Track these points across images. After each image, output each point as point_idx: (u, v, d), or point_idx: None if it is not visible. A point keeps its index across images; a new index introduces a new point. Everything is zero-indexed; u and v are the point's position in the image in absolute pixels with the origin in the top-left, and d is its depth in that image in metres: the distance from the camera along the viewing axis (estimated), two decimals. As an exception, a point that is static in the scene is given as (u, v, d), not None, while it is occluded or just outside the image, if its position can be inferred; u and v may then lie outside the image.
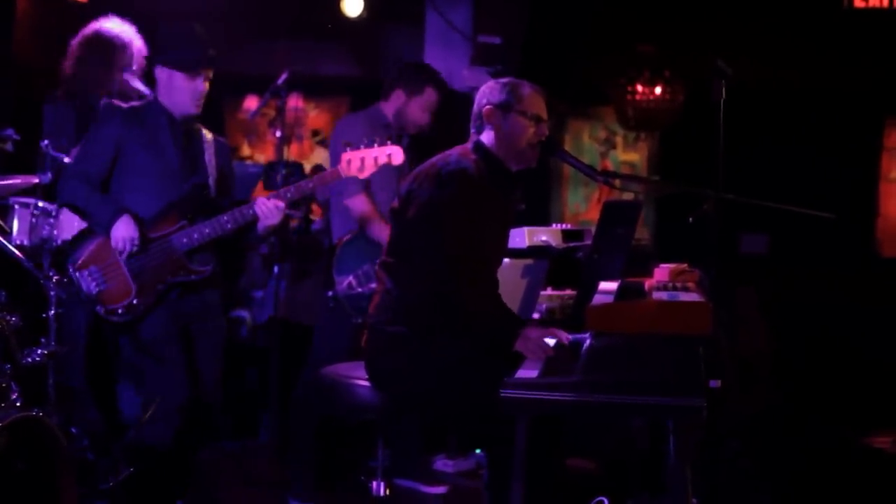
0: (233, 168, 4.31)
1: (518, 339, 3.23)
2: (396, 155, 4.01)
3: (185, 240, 3.92)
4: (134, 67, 4.44)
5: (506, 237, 3.69)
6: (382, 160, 4.01)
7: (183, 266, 3.94)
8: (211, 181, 4.05)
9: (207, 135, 4.13)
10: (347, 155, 4.00)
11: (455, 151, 3.48)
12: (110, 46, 4.44)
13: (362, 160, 3.98)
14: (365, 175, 4.04)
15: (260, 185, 6.05)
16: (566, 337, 3.27)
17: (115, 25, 4.48)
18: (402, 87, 4.86)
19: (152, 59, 4.08)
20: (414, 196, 3.39)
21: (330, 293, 4.74)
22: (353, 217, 4.75)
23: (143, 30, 4.59)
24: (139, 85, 4.41)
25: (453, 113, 6.12)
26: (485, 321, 3.28)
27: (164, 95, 4.01)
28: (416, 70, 4.97)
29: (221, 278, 4.14)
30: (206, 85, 3.99)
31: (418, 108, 4.87)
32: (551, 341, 3.28)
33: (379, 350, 3.40)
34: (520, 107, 3.48)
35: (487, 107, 3.50)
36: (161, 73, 4.00)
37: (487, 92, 3.54)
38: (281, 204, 3.97)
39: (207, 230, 3.92)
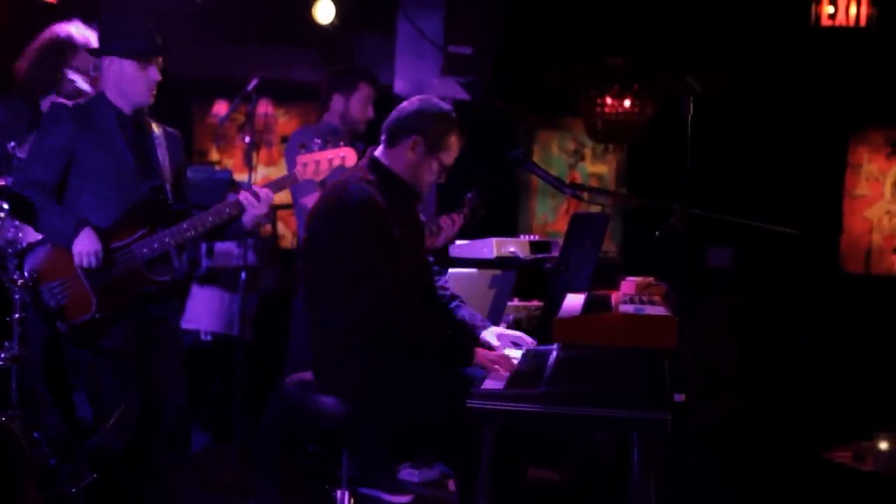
0: (186, 162, 4.17)
1: (478, 352, 3.26)
2: (350, 156, 3.97)
3: (145, 250, 3.80)
4: (88, 69, 4.39)
5: (421, 258, 3.61)
6: (337, 162, 3.98)
7: (144, 276, 3.82)
8: (167, 184, 3.94)
9: (157, 129, 4.00)
10: (303, 158, 3.96)
11: (351, 180, 3.39)
12: (64, 48, 4.39)
13: (317, 163, 3.95)
14: (320, 178, 4.02)
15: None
16: (530, 341, 3.27)
17: (73, 28, 4.43)
18: (337, 92, 5.00)
19: (98, 52, 3.94)
20: (321, 233, 3.34)
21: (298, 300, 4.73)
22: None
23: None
24: (84, 85, 4.34)
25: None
26: (433, 342, 3.29)
27: (113, 89, 3.87)
28: (345, 72, 5.12)
29: (181, 285, 4.07)
30: (159, 74, 3.87)
31: (358, 105, 5.00)
32: (514, 353, 3.29)
33: (344, 360, 3.38)
34: (442, 154, 3.44)
35: (416, 137, 3.42)
36: (110, 64, 3.86)
37: (428, 117, 3.43)
38: (270, 192, 3.88)
39: (167, 239, 3.81)
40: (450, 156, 3.46)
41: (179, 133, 4.11)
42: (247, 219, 3.90)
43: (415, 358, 3.29)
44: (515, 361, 3.29)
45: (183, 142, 4.13)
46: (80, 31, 4.40)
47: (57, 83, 4.34)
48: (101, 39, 3.94)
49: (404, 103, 3.52)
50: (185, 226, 3.83)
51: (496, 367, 3.20)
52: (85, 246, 3.72)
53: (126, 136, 3.87)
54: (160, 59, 3.90)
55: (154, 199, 3.87)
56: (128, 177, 3.84)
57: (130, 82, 3.86)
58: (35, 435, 4.05)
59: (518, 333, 3.44)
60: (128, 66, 3.84)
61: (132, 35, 3.85)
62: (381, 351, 3.28)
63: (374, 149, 3.51)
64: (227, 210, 3.86)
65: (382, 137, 3.50)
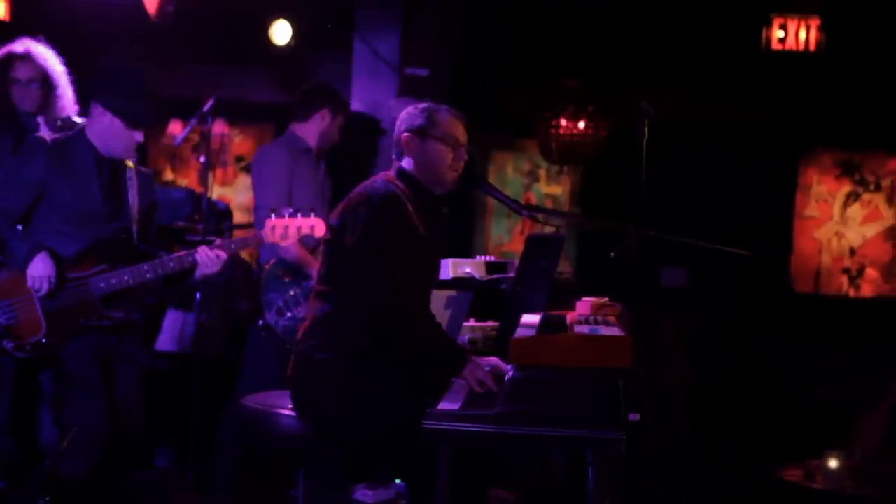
0: (156, 202, 4.24)
1: (468, 365, 3.23)
2: (318, 227, 4.04)
3: (101, 284, 3.85)
4: (27, 79, 4.41)
5: (437, 263, 3.71)
6: (305, 230, 4.05)
7: (96, 310, 3.86)
8: (134, 226, 3.99)
9: (131, 168, 4.06)
10: (272, 222, 4.03)
11: (380, 178, 3.49)
12: (10, 62, 4.42)
13: (286, 228, 4.02)
14: (287, 243, 4.10)
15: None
16: (506, 368, 3.25)
17: (15, 44, 4.47)
18: (328, 108, 4.96)
19: (90, 93, 3.99)
20: (347, 225, 3.39)
21: (260, 322, 4.70)
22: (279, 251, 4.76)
23: (66, 51, 4.56)
24: (46, 132, 4.36)
25: (376, 143, 6.17)
26: (433, 345, 3.29)
27: (95, 133, 3.93)
28: (336, 92, 5.11)
29: (141, 325, 4.07)
30: (142, 137, 3.94)
31: (338, 128, 5.02)
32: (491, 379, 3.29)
33: (305, 378, 3.39)
34: (436, 132, 3.49)
35: (405, 134, 3.51)
36: (100, 114, 3.91)
37: (406, 118, 3.55)
38: (223, 255, 3.96)
39: (126, 277, 3.87)
40: (445, 128, 3.49)
41: (152, 173, 4.20)
42: (197, 274, 3.97)
43: (412, 359, 3.30)
44: (507, 367, 3.23)
45: (154, 182, 4.21)
46: (22, 45, 4.43)
47: (6, 100, 4.38)
48: (95, 85, 3.94)
49: None
50: (145, 267, 3.89)
51: (480, 384, 3.19)
52: (38, 270, 3.77)
53: (100, 178, 3.92)
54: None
55: (118, 239, 3.92)
56: (95, 216, 3.90)
57: (114, 138, 3.92)
58: (-15, 458, 4.01)
59: (494, 360, 3.40)
60: (117, 123, 3.89)
61: (128, 97, 3.89)
62: (383, 348, 3.30)
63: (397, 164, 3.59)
64: (189, 259, 3.92)
65: (394, 157, 3.58)
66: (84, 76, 4.32)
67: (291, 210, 4.05)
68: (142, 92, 3.92)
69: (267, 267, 4.75)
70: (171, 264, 3.90)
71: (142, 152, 6.39)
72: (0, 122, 4.41)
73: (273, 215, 4.04)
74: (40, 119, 4.52)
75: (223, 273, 4.07)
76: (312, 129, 4.96)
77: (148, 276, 3.89)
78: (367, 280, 3.29)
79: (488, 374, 3.21)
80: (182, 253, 3.93)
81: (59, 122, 4.43)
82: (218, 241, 4.10)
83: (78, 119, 4.38)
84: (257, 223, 4.78)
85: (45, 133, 4.48)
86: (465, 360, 3.24)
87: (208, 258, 3.91)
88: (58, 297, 3.82)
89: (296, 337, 4.51)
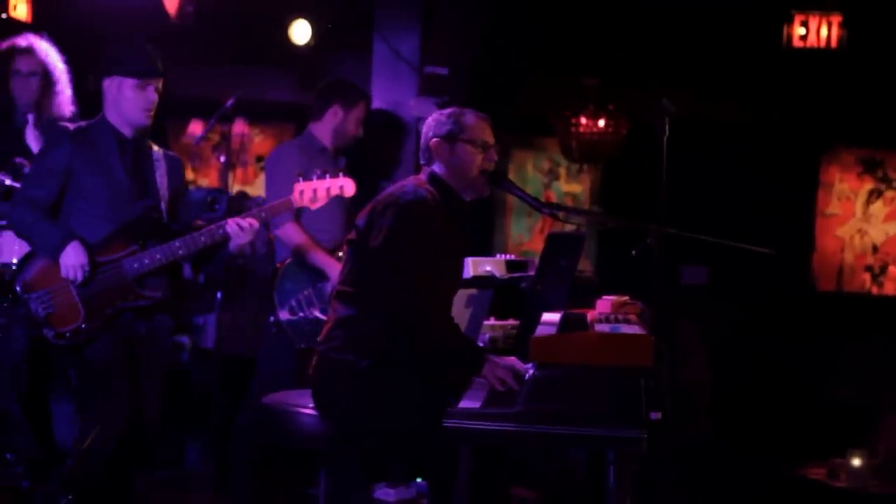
0: (186, 185, 4.28)
1: (487, 364, 3.23)
2: (348, 186, 4.06)
3: (135, 265, 3.88)
4: (28, 71, 4.45)
5: (461, 267, 3.71)
6: (335, 191, 4.06)
7: (133, 291, 3.89)
8: (163, 203, 4.00)
9: (158, 151, 4.08)
10: (300, 186, 4.03)
11: (410, 182, 3.50)
12: (10, 53, 4.47)
13: (314, 191, 4.03)
14: (317, 205, 4.08)
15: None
16: (523, 367, 3.24)
17: (19, 38, 4.52)
18: (339, 103, 4.95)
19: (99, 74, 4.01)
20: (374, 227, 3.39)
21: (272, 319, 4.73)
22: (286, 246, 4.76)
23: (86, 51, 4.60)
24: (63, 110, 4.40)
25: (399, 142, 6.16)
26: (452, 346, 3.29)
27: (113, 110, 3.96)
28: (347, 85, 5.07)
29: (174, 303, 4.09)
30: (157, 96, 3.95)
31: (354, 122, 4.98)
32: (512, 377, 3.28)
33: (326, 377, 3.40)
34: (465, 136, 3.51)
35: (434, 140, 3.53)
36: (110, 84, 3.95)
37: (433, 125, 3.56)
38: (255, 223, 3.96)
39: (159, 255, 3.89)
40: (471, 132, 3.51)
41: (181, 158, 4.22)
42: (231, 246, 4.00)
43: (432, 361, 3.31)
44: (525, 367, 3.24)
45: (183, 165, 4.22)
46: (25, 39, 4.49)
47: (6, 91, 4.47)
48: (103, 64, 3.98)
49: None
50: (177, 244, 3.90)
51: (501, 382, 3.19)
52: (71, 259, 3.80)
53: (123, 159, 3.95)
54: (159, 83, 3.96)
55: (147, 217, 3.94)
56: (122, 197, 3.92)
57: (128, 101, 3.93)
58: (7, 457, 4.03)
59: (511, 359, 3.39)
60: (126, 86, 3.91)
61: (131, 55, 3.92)
62: (402, 348, 3.31)
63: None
64: (221, 232, 3.93)
65: (423, 163, 3.61)
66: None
67: (319, 172, 4.04)
68: (143, 49, 3.94)
69: (280, 266, 4.76)
70: (203, 238, 3.91)
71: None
72: None
73: (300, 179, 4.04)
74: (30, 116, 4.57)
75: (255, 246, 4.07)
76: (327, 127, 4.97)
77: (180, 252, 3.91)
78: (388, 283, 3.30)
79: (508, 373, 3.21)
80: (212, 226, 3.94)
81: (46, 120, 4.47)
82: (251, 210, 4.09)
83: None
84: (271, 224, 4.77)
85: (30, 131, 4.54)
86: (484, 360, 3.24)
87: (240, 227, 3.92)
88: (92, 282, 3.85)
89: (303, 335, 4.55)
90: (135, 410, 3.91)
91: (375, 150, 5.84)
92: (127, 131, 3.97)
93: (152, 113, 3.97)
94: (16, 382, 4.32)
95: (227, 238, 3.94)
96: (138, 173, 3.98)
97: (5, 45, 4.53)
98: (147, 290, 3.92)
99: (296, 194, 4.03)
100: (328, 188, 4.03)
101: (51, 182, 3.90)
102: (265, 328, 4.83)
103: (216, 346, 5.46)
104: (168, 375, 4.17)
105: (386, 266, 3.31)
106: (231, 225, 3.92)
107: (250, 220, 3.95)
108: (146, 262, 3.88)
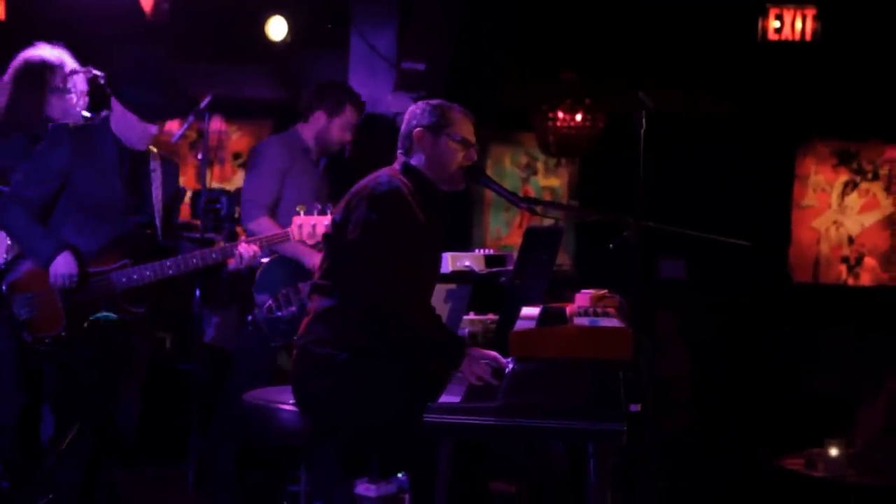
0: (181, 193, 4.26)
1: (465, 359, 3.22)
2: None
3: (123, 279, 3.86)
4: (69, 87, 4.34)
5: (438, 259, 3.71)
6: None
7: (116, 305, 3.88)
8: (157, 218, 3.98)
9: (156, 159, 4.04)
10: (299, 220, 4.05)
11: (384, 173, 3.48)
12: (42, 71, 4.33)
13: (313, 227, 4.03)
14: (313, 241, 4.10)
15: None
16: (504, 362, 3.24)
17: (44, 52, 4.39)
18: (323, 109, 4.88)
19: (108, 85, 3.96)
20: (349, 219, 3.39)
21: (249, 317, 4.72)
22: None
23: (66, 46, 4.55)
24: (78, 109, 4.32)
25: (376, 137, 6.16)
26: (431, 339, 3.28)
27: (115, 124, 3.92)
28: (336, 90, 4.98)
29: (153, 320, 4.08)
30: (157, 128, 3.92)
31: (339, 129, 4.90)
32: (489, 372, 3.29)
33: (306, 371, 3.40)
34: (450, 130, 3.50)
35: (418, 129, 3.51)
36: (116, 104, 3.91)
37: (418, 114, 3.54)
38: (255, 248, 4.00)
39: (148, 272, 3.88)
40: (456, 128, 3.50)
41: (177, 164, 4.19)
42: (232, 266, 4.01)
43: (411, 353, 3.30)
44: (506, 361, 3.24)
45: (178, 171, 4.19)
46: (52, 52, 4.36)
47: (43, 106, 4.28)
48: (113, 76, 3.93)
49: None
50: (168, 263, 3.90)
51: (478, 379, 3.20)
52: (62, 268, 3.79)
53: (122, 170, 3.92)
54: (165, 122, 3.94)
55: (140, 234, 3.93)
56: (117, 209, 3.90)
57: (129, 129, 3.91)
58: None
59: (492, 353, 3.39)
60: (130, 116, 3.88)
61: (140, 89, 3.86)
62: (380, 341, 3.30)
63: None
64: (214, 256, 3.94)
65: (399, 153, 3.57)
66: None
67: (320, 207, 4.05)
68: (156, 84, 3.88)
69: (264, 262, 4.74)
70: (194, 261, 3.92)
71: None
72: (21, 126, 4.34)
73: (302, 212, 4.04)
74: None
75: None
76: (310, 130, 4.93)
77: (170, 272, 3.90)
78: (365, 275, 3.29)
79: (487, 368, 3.20)
80: (205, 250, 3.95)
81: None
82: (245, 238, 4.12)
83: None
84: (244, 216, 4.78)
85: None
86: (463, 354, 3.23)
87: (248, 252, 3.95)
88: (81, 293, 3.83)
89: (280, 333, 4.54)
90: (111, 410, 3.89)
91: (353, 145, 5.83)
92: (125, 142, 3.94)
93: (150, 142, 3.96)
94: (19, 384, 4.28)
95: (220, 261, 3.95)
96: (135, 186, 3.95)
97: (35, 58, 4.36)
98: (130, 306, 3.90)
99: (294, 227, 4.05)
100: (327, 224, 4.01)
101: (47, 183, 3.85)
102: (241, 327, 4.82)
103: (205, 339, 5.44)
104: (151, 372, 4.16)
105: (363, 258, 3.30)
106: (243, 248, 3.95)
107: (253, 247, 3.98)
108: (135, 277, 3.87)
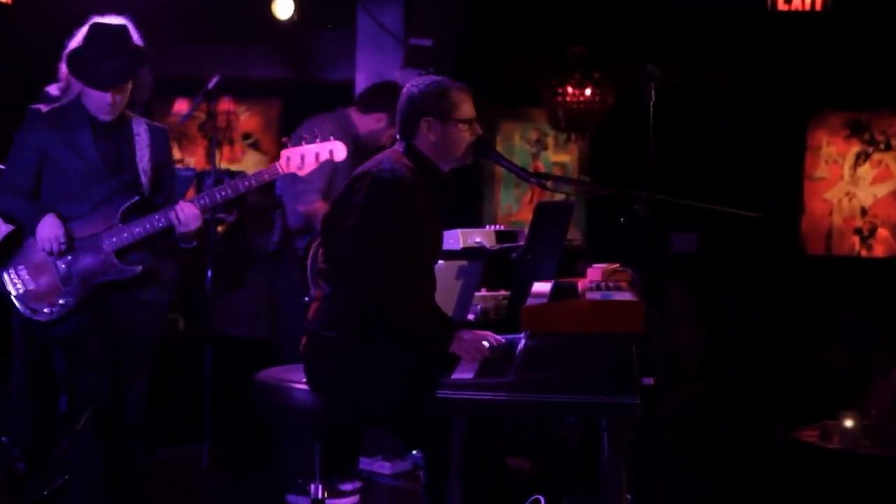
0: (171, 156, 4.19)
1: (453, 342, 3.24)
2: (339, 151, 3.87)
3: (114, 239, 3.85)
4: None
5: (440, 238, 3.69)
6: (324, 156, 3.88)
7: (112, 265, 3.87)
8: (143, 177, 3.95)
9: (140, 125, 4.00)
10: (287, 152, 3.87)
11: (386, 157, 3.44)
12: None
13: (302, 157, 3.86)
14: (304, 172, 3.92)
15: (191, 192, 5.98)
16: (496, 339, 3.26)
17: (112, 20, 4.26)
18: (387, 113, 4.70)
19: (66, 64, 3.88)
20: (349, 205, 3.37)
21: (306, 299, 4.58)
22: (317, 226, 4.68)
23: (69, 32, 4.52)
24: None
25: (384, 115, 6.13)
26: (418, 326, 3.28)
27: (84, 99, 3.90)
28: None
29: (160, 275, 4.05)
30: (118, 97, 3.85)
31: (390, 137, 4.72)
32: (485, 344, 3.29)
33: (316, 354, 3.40)
34: (455, 114, 3.45)
35: (425, 119, 3.43)
36: (75, 81, 3.88)
37: (419, 101, 3.44)
38: (196, 210, 3.85)
39: (138, 229, 3.85)
40: (462, 110, 3.45)
41: (166, 129, 4.12)
42: (177, 234, 3.90)
43: (402, 337, 3.29)
44: (499, 339, 3.25)
45: (168, 136, 4.13)
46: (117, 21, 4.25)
47: None
48: (70, 54, 3.87)
49: (400, 101, 3.49)
50: (157, 216, 3.86)
51: (472, 355, 3.20)
52: (47, 231, 3.81)
53: (97, 138, 3.90)
54: (120, 88, 3.84)
55: (125, 193, 3.90)
56: (97, 176, 3.89)
57: (90, 100, 3.89)
58: (3, 440, 4.04)
59: (484, 333, 3.40)
60: (87, 89, 3.86)
61: (94, 61, 3.81)
62: (377, 325, 3.29)
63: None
64: (160, 222, 3.85)
65: (398, 136, 3.50)
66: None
67: (308, 136, 3.90)
68: (107, 53, 3.80)
69: (315, 243, 4.65)
70: (160, 222, 3.83)
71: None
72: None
73: (288, 144, 3.89)
74: None
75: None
76: (366, 125, 4.85)
77: (160, 223, 3.85)
78: (361, 260, 3.27)
79: (476, 344, 3.21)
80: (166, 209, 3.86)
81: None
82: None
83: None
84: (300, 200, 4.69)
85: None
86: (451, 337, 3.23)
87: (184, 214, 3.82)
88: (73, 257, 3.84)
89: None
90: (117, 388, 3.90)
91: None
92: (95, 114, 3.91)
93: (115, 110, 3.88)
94: (16, 365, 4.29)
95: (168, 227, 3.85)
96: (112, 149, 3.92)
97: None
98: (127, 264, 3.89)
99: (282, 161, 3.87)
100: (317, 153, 3.87)
101: (27, 166, 3.89)
102: (294, 309, 4.65)
103: (211, 325, 5.42)
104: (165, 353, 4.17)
105: (359, 244, 3.28)
106: (173, 213, 3.83)
107: (193, 207, 3.84)
108: (125, 236, 3.85)
